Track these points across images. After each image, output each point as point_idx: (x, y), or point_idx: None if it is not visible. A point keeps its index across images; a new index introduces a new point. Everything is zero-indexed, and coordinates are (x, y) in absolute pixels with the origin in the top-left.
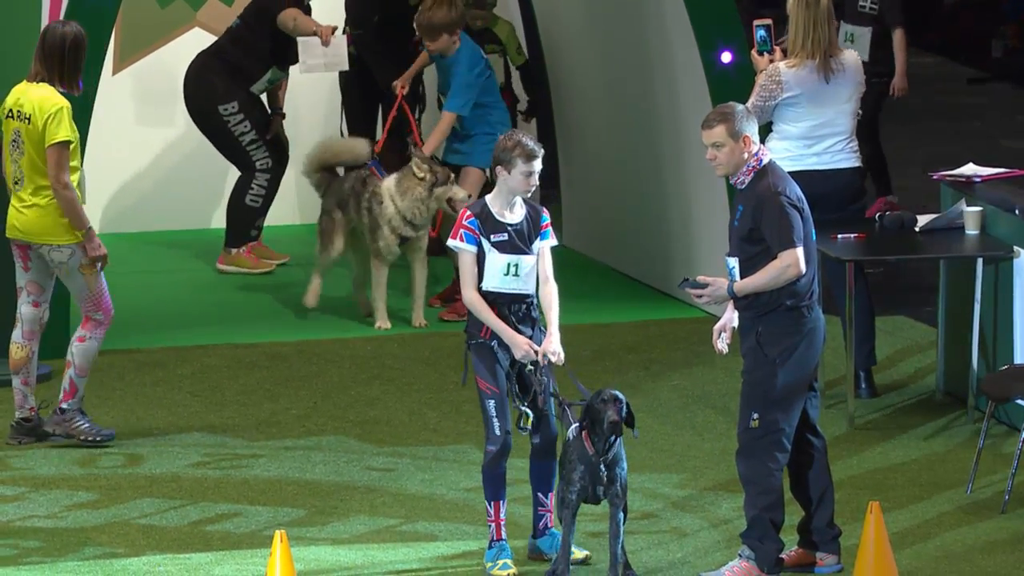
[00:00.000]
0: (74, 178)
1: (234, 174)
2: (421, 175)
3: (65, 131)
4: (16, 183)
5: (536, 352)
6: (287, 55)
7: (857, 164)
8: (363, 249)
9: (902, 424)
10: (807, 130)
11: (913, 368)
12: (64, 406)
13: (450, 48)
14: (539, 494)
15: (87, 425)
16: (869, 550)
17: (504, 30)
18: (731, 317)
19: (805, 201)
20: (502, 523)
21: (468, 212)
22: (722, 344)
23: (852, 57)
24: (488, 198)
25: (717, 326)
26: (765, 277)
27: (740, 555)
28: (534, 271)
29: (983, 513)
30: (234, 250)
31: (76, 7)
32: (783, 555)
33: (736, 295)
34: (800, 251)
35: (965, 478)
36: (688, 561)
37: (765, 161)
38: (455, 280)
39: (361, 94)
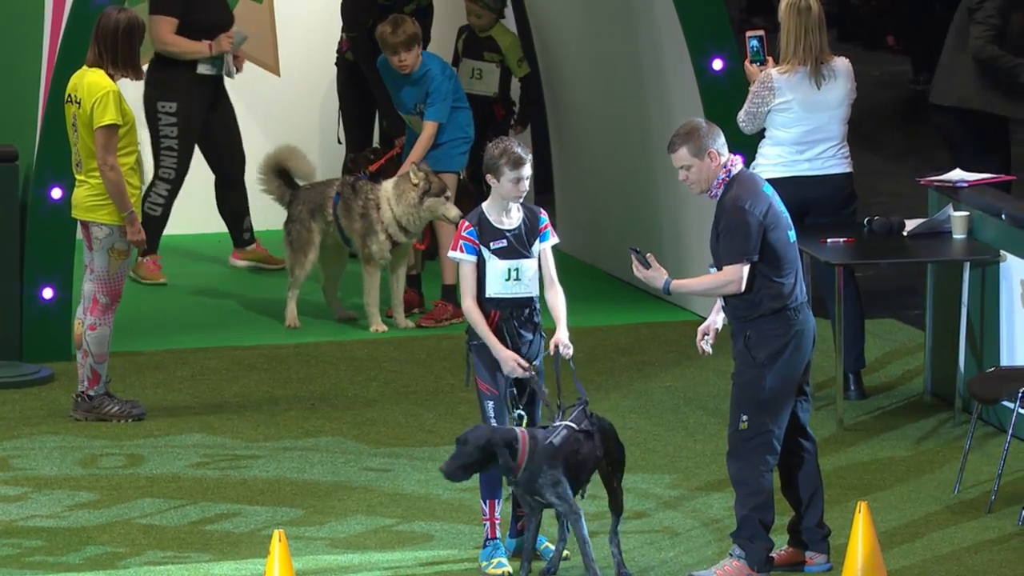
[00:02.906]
0: (130, 160)
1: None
2: (415, 181)
3: (111, 115)
4: (77, 165)
5: (523, 367)
6: (214, 21)
7: (848, 170)
8: (333, 257)
9: (890, 425)
10: (799, 136)
11: (901, 370)
12: (91, 393)
13: (417, 62)
14: None
15: (117, 408)
16: (858, 549)
17: (506, 40)
18: (715, 319)
19: (778, 212)
20: (497, 522)
21: (466, 222)
22: (706, 345)
23: (843, 64)
24: (484, 205)
25: (701, 328)
26: (703, 285)
27: (731, 554)
28: (536, 274)
29: (970, 512)
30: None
31: (79, 10)
32: (773, 554)
33: (671, 292)
34: (745, 269)
35: (952, 478)
36: (679, 560)
37: (735, 172)
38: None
39: (357, 96)
